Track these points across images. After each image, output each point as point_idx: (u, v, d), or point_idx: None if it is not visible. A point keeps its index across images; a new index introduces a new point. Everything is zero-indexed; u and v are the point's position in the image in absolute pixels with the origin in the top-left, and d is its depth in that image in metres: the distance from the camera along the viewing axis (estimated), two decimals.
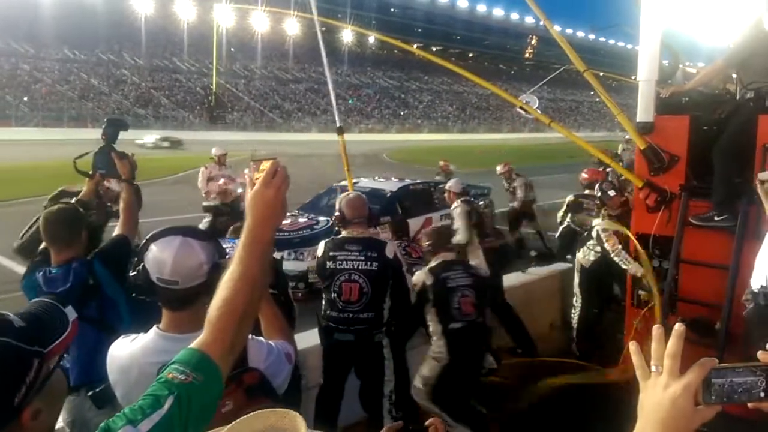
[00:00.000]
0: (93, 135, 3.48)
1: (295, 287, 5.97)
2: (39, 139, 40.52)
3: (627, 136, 16.80)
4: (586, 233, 6.04)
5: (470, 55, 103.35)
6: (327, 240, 3.94)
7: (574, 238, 6.24)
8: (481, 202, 10.07)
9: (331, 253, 3.76)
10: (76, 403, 2.76)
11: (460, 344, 3.92)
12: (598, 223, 5.66)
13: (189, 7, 69.19)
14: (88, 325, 2.65)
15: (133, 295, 1.80)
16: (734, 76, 4.80)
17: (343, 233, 3.86)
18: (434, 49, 77.10)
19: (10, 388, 0.99)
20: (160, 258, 1.70)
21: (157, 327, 1.74)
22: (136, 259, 1.79)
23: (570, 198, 7.08)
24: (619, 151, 12.50)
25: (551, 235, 11.02)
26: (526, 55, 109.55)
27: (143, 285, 1.74)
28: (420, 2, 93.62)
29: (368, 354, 3.76)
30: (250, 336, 1.72)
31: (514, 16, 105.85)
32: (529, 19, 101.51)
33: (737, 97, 4.61)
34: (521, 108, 5.69)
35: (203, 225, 7.91)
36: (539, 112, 5.74)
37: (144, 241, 1.78)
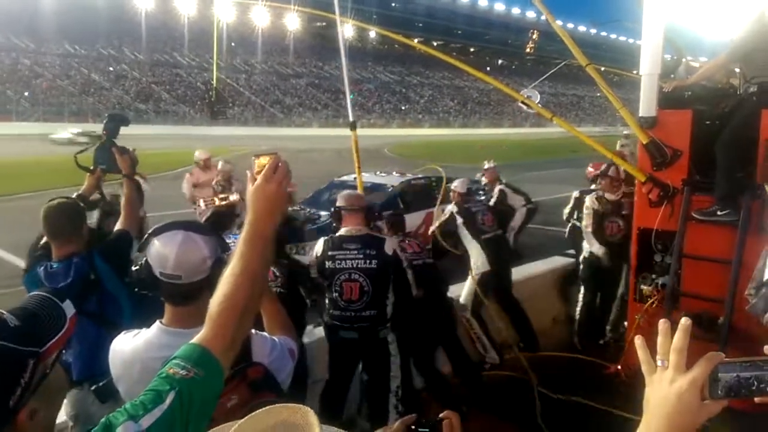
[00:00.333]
0: (93, 130, 3.47)
1: None
2: (40, 133, 40.50)
3: (626, 132, 16.76)
4: None
5: (471, 49, 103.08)
6: (325, 238, 3.87)
7: (580, 235, 6.19)
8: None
9: (329, 253, 3.72)
10: (80, 397, 2.77)
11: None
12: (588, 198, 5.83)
13: (189, 2, 69.01)
14: (89, 320, 2.65)
15: (136, 289, 1.79)
16: (737, 70, 4.78)
17: (341, 231, 3.79)
18: (435, 43, 77.00)
19: (4, 391, 0.97)
20: (163, 253, 1.69)
21: (160, 322, 1.74)
22: (138, 253, 1.78)
23: (576, 194, 6.99)
24: (617, 147, 12.36)
25: (551, 231, 11.03)
26: (528, 50, 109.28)
27: (146, 280, 1.73)
28: None
29: (374, 350, 3.75)
30: (253, 331, 1.72)
31: (516, 10, 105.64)
32: (531, 14, 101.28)
33: (740, 92, 4.59)
34: (523, 103, 5.67)
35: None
36: (541, 106, 5.73)
37: (146, 235, 1.77)
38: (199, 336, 1.26)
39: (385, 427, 1.36)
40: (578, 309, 6.04)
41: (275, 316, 2.00)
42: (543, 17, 5.42)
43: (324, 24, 78.12)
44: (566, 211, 6.77)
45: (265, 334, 1.87)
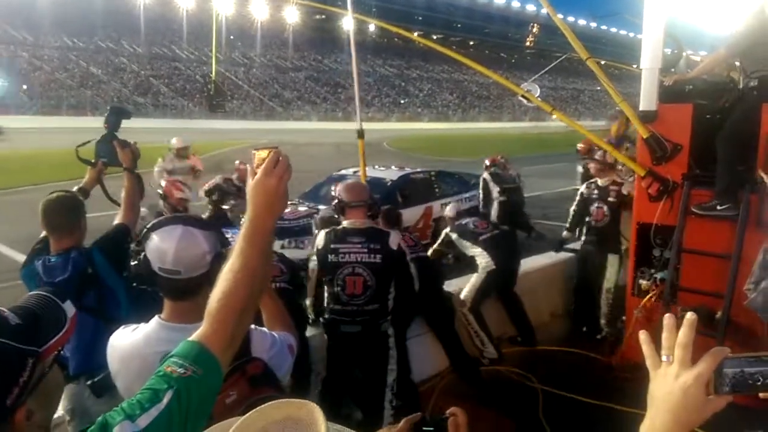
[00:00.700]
0: (92, 123, 3.46)
1: None
2: (38, 127, 40.39)
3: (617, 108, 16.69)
4: None
5: (471, 43, 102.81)
6: (327, 231, 3.77)
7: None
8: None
9: (332, 246, 3.62)
10: (76, 391, 2.76)
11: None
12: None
13: None
14: (87, 314, 2.65)
15: (134, 284, 1.78)
16: (737, 64, 4.76)
17: (344, 223, 3.69)
18: (435, 37, 76.70)
19: (1, 389, 0.96)
20: (162, 247, 1.68)
21: (159, 317, 1.72)
22: (137, 248, 1.77)
23: (584, 189, 6.91)
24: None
25: (549, 225, 11.03)
26: (527, 44, 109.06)
27: (144, 275, 1.72)
28: None
29: (374, 343, 3.70)
30: (252, 326, 1.71)
31: (515, 3, 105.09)
32: (531, 7, 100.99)
33: (740, 86, 4.58)
34: (523, 96, 5.66)
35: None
36: (540, 100, 5.71)
37: (145, 230, 1.76)
38: (197, 333, 1.24)
39: (390, 426, 1.35)
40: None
41: (275, 312, 1.99)
42: (543, 10, 5.41)
43: (323, 17, 77.88)
44: (573, 209, 6.54)
45: (264, 329, 1.86)
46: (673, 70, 5.62)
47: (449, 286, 5.32)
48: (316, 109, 69.40)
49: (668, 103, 4.74)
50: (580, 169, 9.27)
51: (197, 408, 1.15)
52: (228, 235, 2.02)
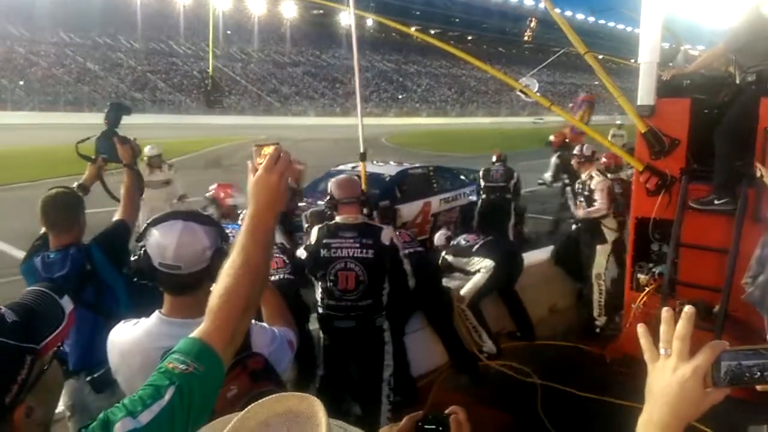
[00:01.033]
0: (89, 119, 3.44)
1: None
2: (35, 123, 40.31)
3: (618, 121, 16.69)
4: None
5: (469, 38, 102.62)
6: (320, 226, 3.75)
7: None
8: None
9: (324, 241, 3.60)
10: (76, 387, 2.77)
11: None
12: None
13: None
14: (86, 310, 2.65)
15: (135, 280, 1.78)
16: (734, 59, 4.77)
17: (337, 219, 3.68)
18: (433, 32, 76.64)
19: (0, 388, 0.96)
20: (163, 243, 1.68)
21: (159, 312, 1.72)
22: (137, 243, 1.77)
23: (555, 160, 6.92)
24: (609, 137, 12.23)
25: (544, 219, 11.04)
26: (525, 38, 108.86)
27: (145, 270, 1.72)
28: None
29: (369, 338, 3.68)
30: (253, 321, 1.71)
31: None
32: (528, 2, 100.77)
33: (737, 81, 4.59)
34: (521, 91, 5.66)
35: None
36: (539, 95, 5.72)
37: (145, 225, 1.76)
38: (199, 330, 1.25)
39: (392, 424, 1.36)
40: None
41: (275, 307, 2.00)
42: (541, 5, 5.44)
43: (321, 12, 77.72)
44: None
45: (264, 324, 1.87)
46: (671, 64, 5.63)
47: (451, 282, 5.34)
48: (314, 105, 69.25)
49: (666, 98, 4.75)
50: (554, 160, 9.44)
51: (199, 404, 1.15)
52: (228, 231, 2.03)
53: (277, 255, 3.86)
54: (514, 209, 8.87)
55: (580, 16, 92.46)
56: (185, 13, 70.87)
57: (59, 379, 1.18)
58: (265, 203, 1.32)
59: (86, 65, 60.98)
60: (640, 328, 0.98)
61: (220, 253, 1.69)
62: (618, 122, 17.22)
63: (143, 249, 1.71)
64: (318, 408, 0.75)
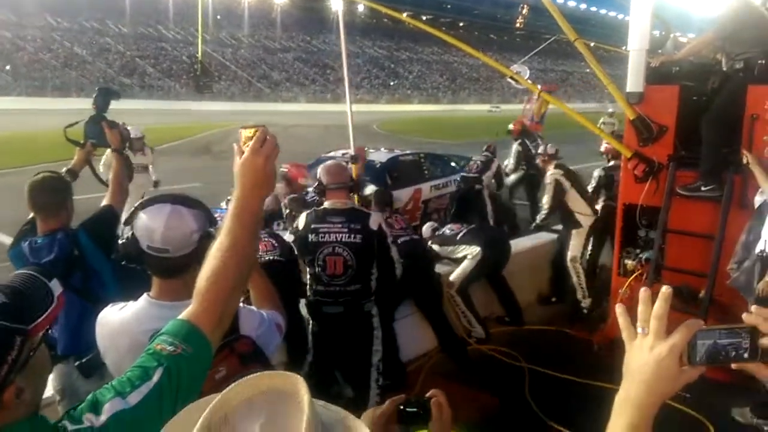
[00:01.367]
0: (77, 105, 3.41)
1: None
2: (22, 108, 39.82)
3: (611, 109, 16.72)
4: None
5: (461, 24, 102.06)
6: (308, 212, 3.76)
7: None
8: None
9: (312, 226, 3.61)
10: (65, 371, 2.77)
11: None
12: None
13: None
14: (74, 295, 2.65)
15: (123, 263, 1.79)
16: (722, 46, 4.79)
17: (325, 204, 3.69)
18: (424, 18, 76.06)
19: None
20: (150, 226, 1.68)
21: (148, 295, 1.73)
22: (125, 226, 1.77)
23: (599, 173, 6.84)
24: (599, 124, 12.22)
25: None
26: (517, 25, 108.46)
27: (133, 253, 1.72)
28: None
29: (358, 324, 3.69)
30: (241, 304, 1.72)
31: None
32: None
33: (725, 68, 4.62)
34: (512, 78, 5.66)
35: None
36: (530, 82, 5.71)
37: (133, 209, 1.76)
38: (187, 312, 1.26)
39: (375, 407, 1.39)
40: None
41: (263, 291, 2.01)
42: None
43: None
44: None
45: (252, 308, 1.88)
46: (660, 51, 5.65)
47: (441, 268, 5.36)
48: (305, 91, 68.81)
49: (655, 85, 4.77)
50: (515, 147, 9.66)
51: (187, 385, 1.16)
52: (216, 215, 2.04)
53: (266, 238, 3.87)
54: (489, 197, 8.85)
55: (571, 3, 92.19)
56: None
57: (47, 362, 1.19)
58: (252, 186, 1.32)
59: (74, 50, 60.19)
60: (619, 308, 0.99)
61: (208, 237, 1.69)
62: (610, 110, 17.26)
63: (131, 232, 1.72)
64: (300, 386, 0.76)
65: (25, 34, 58.46)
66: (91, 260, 2.78)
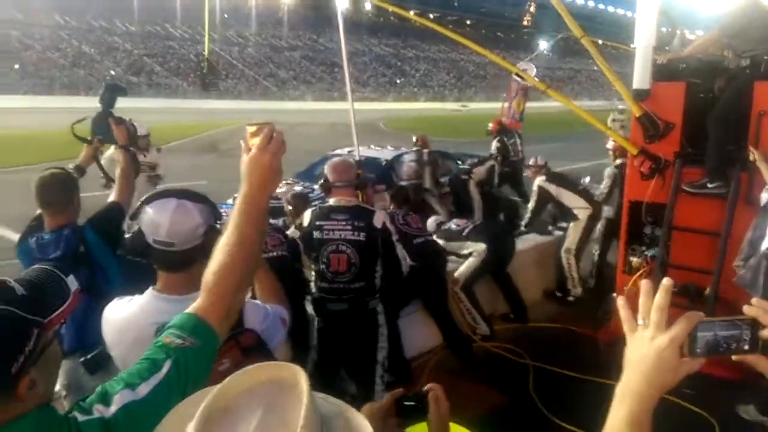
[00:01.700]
0: (85, 103, 3.44)
1: None
2: (30, 107, 40.01)
3: (621, 106, 16.65)
4: None
5: (468, 22, 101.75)
6: (313, 208, 3.77)
7: None
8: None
9: (317, 223, 3.61)
10: (71, 367, 2.78)
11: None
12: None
13: None
14: (80, 291, 2.65)
15: (129, 257, 1.81)
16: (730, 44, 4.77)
17: (330, 201, 3.69)
18: (431, 16, 75.92)
19: (8, 357, 0.99)
20: (156, 220, 1.70)
21: (153, 288, 1.75)
22: (131, 221, 1.79)
23: (612, 171, 6.83)
24: (609, 122, 12.15)
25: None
26: (524, 23, 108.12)
27: (139, 247, 1.74)
28: None
29: (362, 321, 3.69)
30: (246, 298, 1.74)
31: None
32: None
33: (731, 66, 4.60)
34: (517, 75, 5.65)
35: None
36: (537, 79, 5.70)
37: (139, 203, 1.78)
38: (194, 305, 1.28)
39: (373, 401, 1.41)
40: None
41: (268, 286, 2.02)
42: None
43: None
44: (604, 191, 6.68)
45: (257, 302, 1.89)
46: (667, 48, 5.62)
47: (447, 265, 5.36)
48: (312, 89, 68.77)
49: (662, 82, 4.75)
50: (495, 144, 9.74)
51: (195, 377, 1.18)
52: (222, 211, 2.05)
53: (273, 233, 3.88)
54: (480, 192, 8.87)
55: (579, 1, 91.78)
56: None
57: (59, 357, 1.22)
58: (259, 183, 1.34)
59: (82, 49, 60.42)
60: (619, 300, 1.00)
61: (213, 231, 1.71)
62: (620, 107, 17.17)
63: (137, 227, 1.74)
64: (300, 376, 0.77)
65: (33, 33, 58.74)
66: (98, 256, 2.80)
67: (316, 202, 4.88)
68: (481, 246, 5.30)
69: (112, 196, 3.03)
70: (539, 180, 6.62)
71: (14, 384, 1.01)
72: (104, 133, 3.08)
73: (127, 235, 1.78)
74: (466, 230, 5.50)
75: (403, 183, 7.20)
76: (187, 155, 18.59)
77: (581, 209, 6.28)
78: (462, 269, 5.32)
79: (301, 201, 4.54)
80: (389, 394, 1.43)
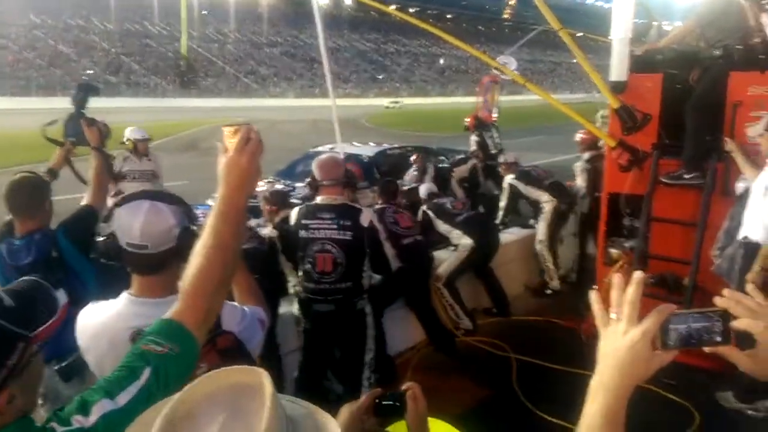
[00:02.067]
0: (62, 104, 3.37)
1: None
2: (6, 108, 39.35)
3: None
4: None
5: (448, 16, 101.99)
6: (300, 207, 3.70)
7: None
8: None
9: (303, 221, 3.54)
10: (48, 375, 2.73)
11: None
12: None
13: None
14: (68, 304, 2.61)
15: (102, 260, 1.78)
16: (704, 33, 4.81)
17: (317, 199, 3.63)
18: (411, 10, 75.89)
19: None
20: (129, 223, 1.67)
21: (128, 292, 1.72)
22: (104, 224, 1.76)
23: (584, 166, 6.92)
24: (599, 116, 12.22)
25: None
26: (505, 16, 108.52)
27: (112, 250, 1.71)
28: None
29: (350, 323, 3.63)
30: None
31: None
32: None
33: (706, 56, 4.64)
34: (497, 69, 5.66)
35: None
36: (517, 73, 5.71)
37: (112, 206, 1.75)
38: (172, 310, 1.26)
39: (353, 401, 1.41)
40: None
41: (246, 287, 2.00)
42: None
43: None
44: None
45: (234, 303, 1.87)
46: (644, 39, 5.66)
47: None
48: (293, 86, 68.50)
49: (639, 73, 4.78)
50: (474, 138, 9.90)
51: (175, 384, 1.16)
52: (199, 212, 2.02)
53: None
54: (462, 188, 8.97)
55: None
56: None
57: (42, 372, 1.18)
58: (236, 184, 1.32)
59: (58, 48, 59.58)
60: (592, 295, 1.00)
61: (187, 233, 1.69)
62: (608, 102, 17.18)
63: (110, 230, 1.71)
64: (265, 380, 0.76)
65: (8, 33, 57.79)
66: (71, 261, 2.73)
67: (295, 201, 4.84)
68: (468, 241, 5.31)
69: (85, 199, 2.97)
70: (509, 178, 6.83)
71: None
72: (77, 135, 3.02)
73: (100, 239, 1.75)
74: (460, 218, 5.50)
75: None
76: (167, 155, 18.39)
77: (546, 203, 6.48)
78: (445, 265, 5.32)
79: (280, 198, 4.48)
80: (367, 394, 1.43)
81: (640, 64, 4.80)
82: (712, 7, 4.41)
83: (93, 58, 60.82)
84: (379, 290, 3.94)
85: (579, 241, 6.83)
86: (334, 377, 3.99)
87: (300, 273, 3.66)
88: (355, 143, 10.52)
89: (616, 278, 0.97)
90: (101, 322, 1.69)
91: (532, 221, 6.92)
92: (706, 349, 0.94)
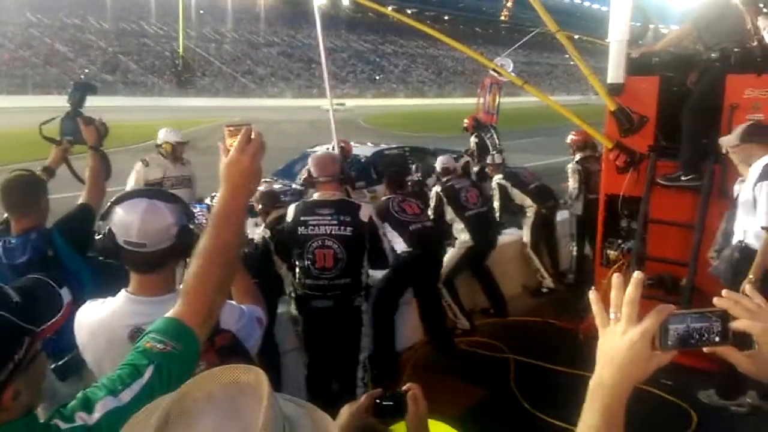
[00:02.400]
0: (59, 102, 3.36)
1: None
2: (2, 106, 39.21)
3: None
4: None
5: (445, 17, 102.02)
6: (297, 203, 3.69)
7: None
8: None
9: (301, 218, 3.53)
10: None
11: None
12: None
13: None
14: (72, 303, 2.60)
15: (100, 258, 1.77)
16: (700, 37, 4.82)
17: (314, 196, 3.64)
18: (409, 11, 75.93)
19: None
20: (127, 221, 1.67)
21: (126, 290, 1.72)
22: (101, 222, 1.76)
23: (575, 167, 6.86)
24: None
25: None
26: (502, 17, 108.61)
27: (110, 249, 1.71)
28: None
29: (347, 319, 3.63)
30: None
31: None
32: None
33: (703, 59, 4.65)
34: (494, 70, 5.67)
35: None
36: (514, 74, 5.72)
37: (109, 204, 1.74)
38: (175, 309, 1.27)
39: (352, 402, 1.41)
40: None
41: (244, 286, 2.00)
42: None
43: None
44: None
45: (232, 302, 1.87)
46: (641, 42, 5.68)
47: None
48: (291, 86, 68.39)
49: (636, 76, 4.80)
50: (473, 140, 10.04)
51: (177, 381, 1.16)
52: (197, 210, 2.02)
53: None
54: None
55: None
56: None
57: (46, 369, 1.19)
58: (237, 185, 1.33)
59: (54, 47, 59.34)
60: (592, 295, 1.00)
61: (185, 231, 1.69)
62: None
63: (108, 228, 1.71)
64: (263, 379, 0.76)
65: (4, 31, 57.48)
66: (67, 260, 2.72)
67: (290, 199, 4.83)
68: (468, 238, 5.32)
69: (81, 198, 2.96)
70: (497, 178, 6.91)
71: (0, 392, 0.99)
72: (74, 134, 3.01)
73: (97, 237, 1.75)
74: (469, 212, 5.51)
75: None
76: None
77: (529, 207, 6.58)
78: (443, 265, 5.32)
79: (269, 200, 4.48)
80: (367, 394, 1.43)
81: (637, 67, 4.82)
82: (709, 10, 4.42)
83: (90, 57, 60.59)
84: (388, 279, 3.91)
85: (576, 243, 6.84)
86: (331, 375, 4.00)
87: (297, 270, 3.66)
88: (353, 143, 10.53)
89: (615, 279, 0.98)
90: (99, 319, 1.69)
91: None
92: (705, 350, 0.94)
